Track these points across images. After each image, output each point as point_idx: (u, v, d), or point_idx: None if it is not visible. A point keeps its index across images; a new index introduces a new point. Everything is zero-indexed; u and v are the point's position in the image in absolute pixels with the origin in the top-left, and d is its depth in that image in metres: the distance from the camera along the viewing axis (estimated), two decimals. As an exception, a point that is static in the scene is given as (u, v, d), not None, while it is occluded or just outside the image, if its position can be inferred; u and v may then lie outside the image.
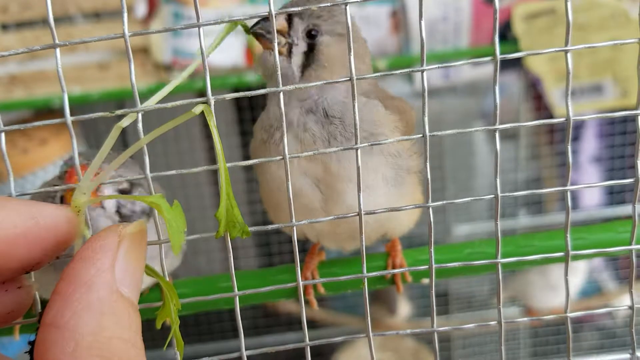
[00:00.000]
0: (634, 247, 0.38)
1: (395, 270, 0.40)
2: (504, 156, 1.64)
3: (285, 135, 0.40)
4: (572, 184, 0.39)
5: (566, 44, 0.37)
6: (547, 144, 1.61)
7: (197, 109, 0.37)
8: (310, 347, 0.40)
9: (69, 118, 0.38)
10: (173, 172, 0.39)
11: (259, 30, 0.48)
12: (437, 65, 0.39)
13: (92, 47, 1.33)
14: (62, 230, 0.36)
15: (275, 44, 0.38)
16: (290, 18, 0.51)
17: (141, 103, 0.38)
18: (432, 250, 0.37)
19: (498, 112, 0.38)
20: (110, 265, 0.33)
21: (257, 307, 1.66)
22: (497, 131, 0.37)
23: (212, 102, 0.37)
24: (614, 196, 1.63)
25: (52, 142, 1.37)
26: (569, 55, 0.37)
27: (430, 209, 0.38)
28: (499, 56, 0.36)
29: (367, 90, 0.54)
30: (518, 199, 1.65)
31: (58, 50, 0.38)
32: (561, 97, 1.27)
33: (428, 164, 0.38)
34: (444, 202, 0.38)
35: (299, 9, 0.41)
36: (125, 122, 0.37)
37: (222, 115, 1.54)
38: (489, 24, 1.25)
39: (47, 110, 1.36)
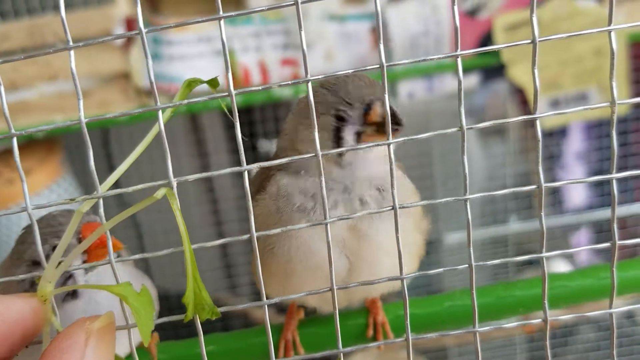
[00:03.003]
0: (613, 310, 0.37)
1: (374, 344, 0.39)
2: (493, 152, 1.63)
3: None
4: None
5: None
6: (533, 137, 1.61)
7: (160, 193, 0.36)
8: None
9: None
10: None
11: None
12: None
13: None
14: (29, 323, 0.35)
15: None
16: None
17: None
18: (408, 322, 0.37)
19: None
20: None
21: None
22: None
23: (175, 185, 0.36)
24: (604, 198, 1.63)
25: (37, 172, 1.35)
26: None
27: (404, 282, 0.37)
28: (465, 127, 0.35)
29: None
30: (508, 205, 1.64)
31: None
32: (546, 106, 1.27)
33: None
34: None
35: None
36: (85, 207, 0.36)
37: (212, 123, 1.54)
38: (470, 37, 1.24)
39: (28, 141, 1.35)
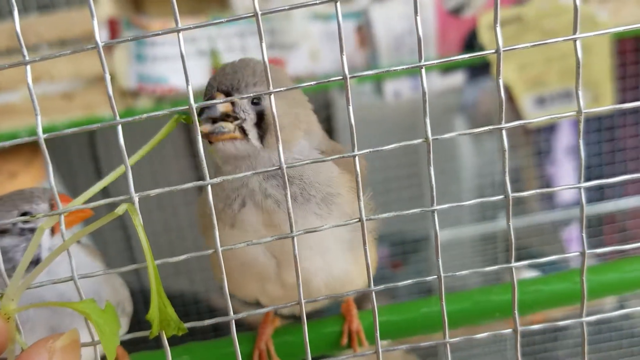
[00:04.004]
0: (584, 319, 0.37)
1: (344, 357, 0.39)
2: (485, 148, 1.63)
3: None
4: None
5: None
6: (522, 133, 1.61)
7: (121, 209, 0.35)
8: None
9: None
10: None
11: (207, 129, 0.47)
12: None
13: (56, 76, 1.31)
14: None
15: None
16: (228, 94, 0.49)
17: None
18: (378, 335, 0.36)
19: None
20: None
21: None
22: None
23: (136, 200, 0.36)
24: (592, 193, 1.63)
25: (22, 175, 1.34)
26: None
27: (373, 294, 0.37)
28: (430, 138, 0.35)
29: (319, 145, 0.53)
30: (497, 201, 1.64)
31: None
32: (532, 104, 1.27)
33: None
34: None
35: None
36: (47, 225, 0.36)
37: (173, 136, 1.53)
38: (454, 35, 1.24)
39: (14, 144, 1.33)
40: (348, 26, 1.26)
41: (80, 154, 1.56)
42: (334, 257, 0.50)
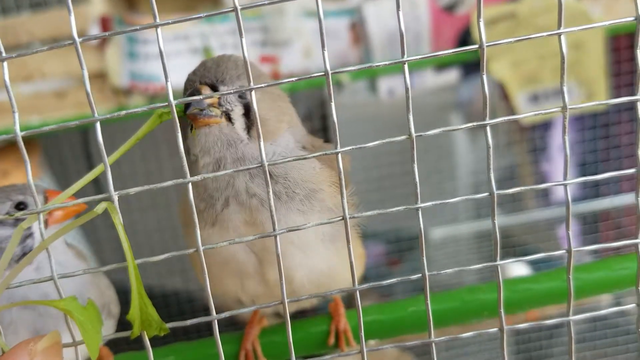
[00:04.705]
0: (571, 317, 0.37)
1: (328, 357, 0.39)
2: (481, 145, 1.63)
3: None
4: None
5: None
6: (517, 130, 1.60)
7: (100, 208, 0.35)
8: None
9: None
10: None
11: (194, 111, 0.46)
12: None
13: (48, 75, 1.30)
14: None
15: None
16: (215, 88, 0.49)
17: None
18: (363, 335, 0.36)
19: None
20: None
21: None
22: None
23: (116, 199, 0.35)
24: (588, 190, 1.63)
25: (14, 174, 1.34)
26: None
27: (357, 293, 0.36)
28: (414, 135, 0.34)
29: (302, 139, 0.53)
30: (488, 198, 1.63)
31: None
32: (526, 101, 1.26)
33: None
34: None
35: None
36: (26, 224, 0.35)
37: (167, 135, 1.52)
38: (448, 32, 1.24)
39: (6, 142, 1.33)
40: (341, 23, 1.25)
41: (73, 152, 1.56)
42: (314, 252, 0.49)
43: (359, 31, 1.25)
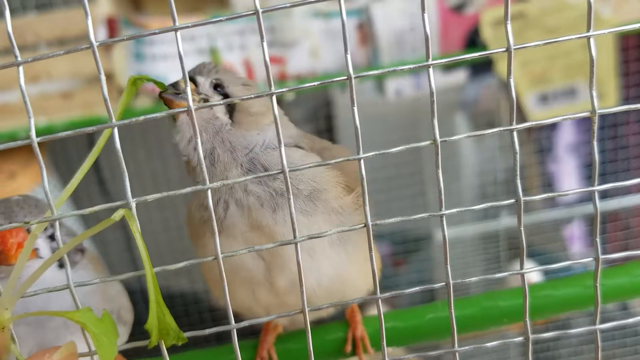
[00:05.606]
0: (598, 327, 0.36)
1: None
2: (486, 145, 1.62)
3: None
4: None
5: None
6: (524, 131, 1.59)
7: (118, 215, 0.34)
8: None
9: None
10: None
11: (168, 96, 0.46)
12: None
13: (55, 76, 1.30)
14: None
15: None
16: (193, 80, 0.51)
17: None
18: (384, 343, 0.35)
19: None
20: None
21: None
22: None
23: (134, 206, 0.34)
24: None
25: (21, 175, 1.33)
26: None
27: (379, 301, 0.36)
28: (439, 140, 0.34)
29: (297, 137, 0.52)
30: (499, 199, 1.63)
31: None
32: (535, 101, 1.25)
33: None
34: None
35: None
36: (38, 230, 0.35)
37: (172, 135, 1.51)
38: (456, 32, 1.23)
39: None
40: (349, 24, 1.24)
41: (79, 154, 1.55)
42: (323, 256, 0.48)
43: (366, 31, 1.25)
